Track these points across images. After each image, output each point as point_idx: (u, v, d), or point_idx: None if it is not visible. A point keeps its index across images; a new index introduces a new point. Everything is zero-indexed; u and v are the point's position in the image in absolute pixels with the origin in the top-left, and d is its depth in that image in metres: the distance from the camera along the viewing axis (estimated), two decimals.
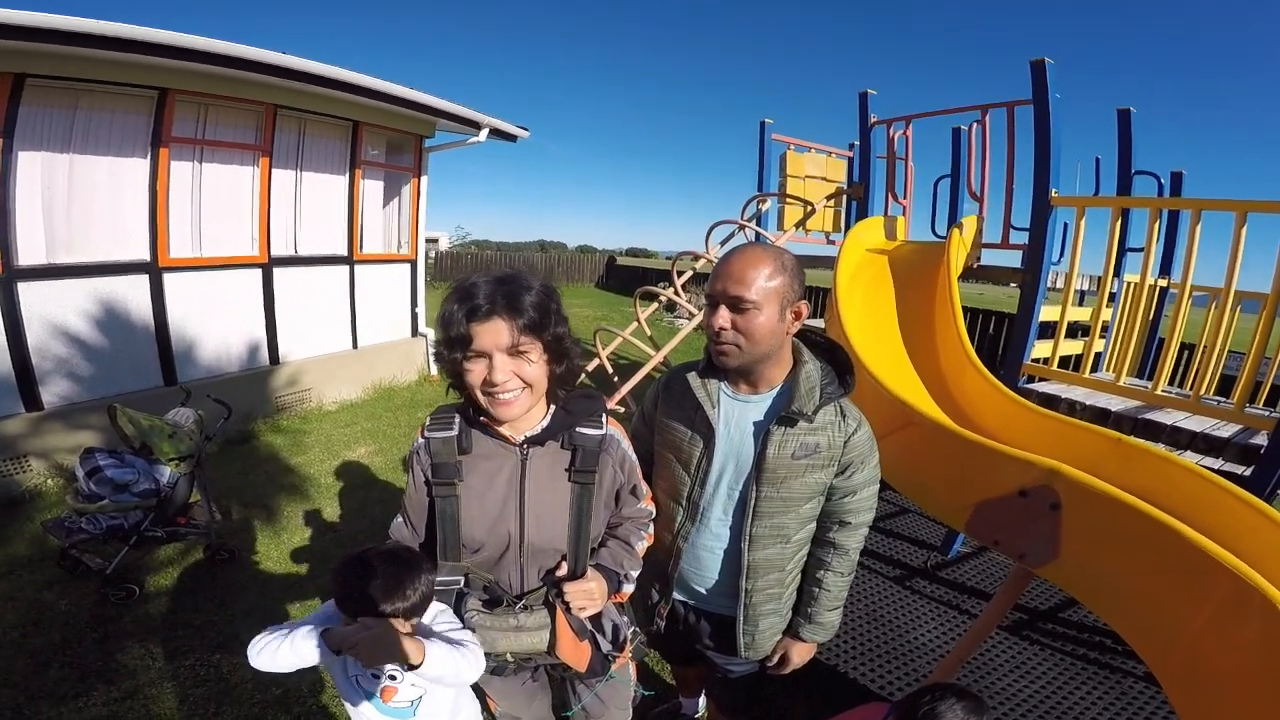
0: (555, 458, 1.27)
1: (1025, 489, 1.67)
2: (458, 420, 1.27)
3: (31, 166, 3.96)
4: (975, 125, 3.63)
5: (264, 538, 3.52)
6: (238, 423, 4.97)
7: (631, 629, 1.45)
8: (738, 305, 1.28)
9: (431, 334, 7.15)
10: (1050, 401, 2.97)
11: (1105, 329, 3.60)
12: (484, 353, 1.11)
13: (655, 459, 1.59)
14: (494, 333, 1.09)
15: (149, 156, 4.48)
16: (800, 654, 1.60)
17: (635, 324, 4.54)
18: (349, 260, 6.19)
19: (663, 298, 4.53)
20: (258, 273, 5.39)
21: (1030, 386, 3.16)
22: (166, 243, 4.67)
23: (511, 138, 6.94)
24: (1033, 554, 1.73)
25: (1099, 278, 3.78)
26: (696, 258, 4.58)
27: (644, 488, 1.44)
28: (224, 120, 4.96)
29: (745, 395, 1.43)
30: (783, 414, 1.34)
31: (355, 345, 6.42)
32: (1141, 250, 3.67)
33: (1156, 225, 2.96)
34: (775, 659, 1.61)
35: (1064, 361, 3.22)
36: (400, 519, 1.36)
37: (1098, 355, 3.57)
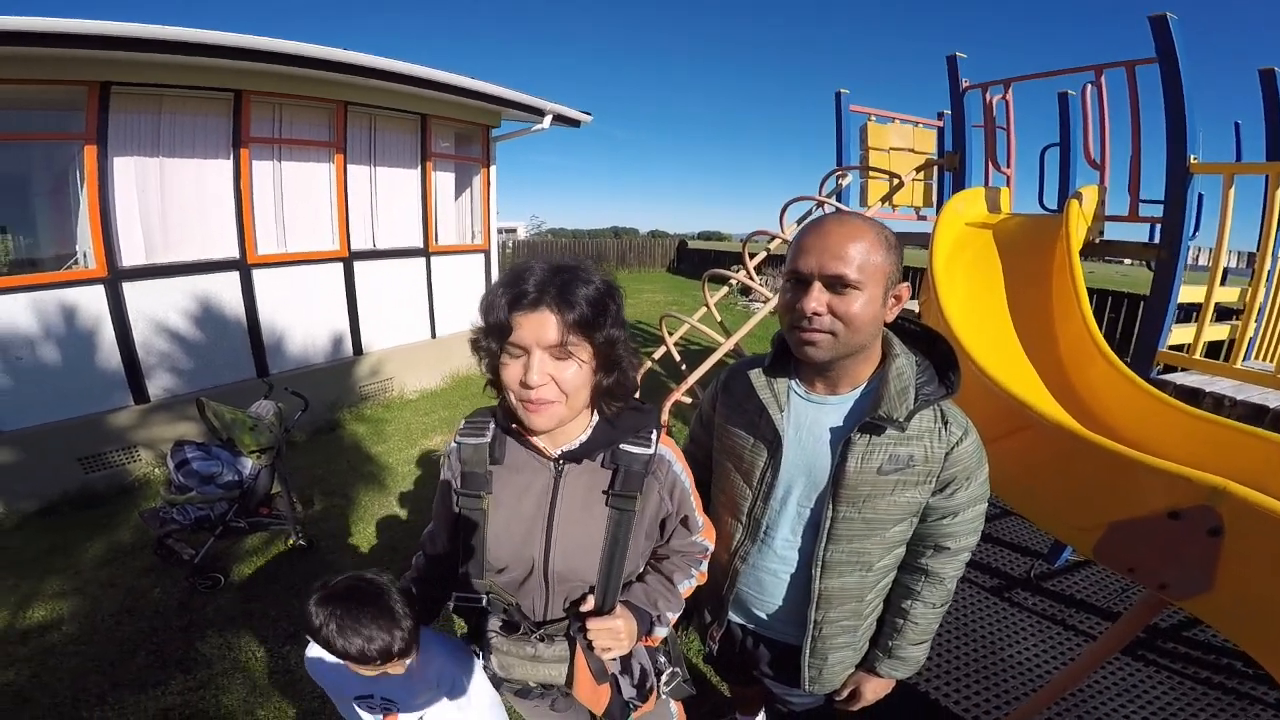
0: (594, 477, 1.10)
1: (1178, 510, 1.35)
2: (492, 425, 1.13)
3: (126, 171, 4.19)
4: (1090, 87, 3.18)
5: (342, 527, 3.60)
6: (324, 412, 5.17)
7: (671, 670, 1.27)
8: (836, 285, 1.04)
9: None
10: (1192, 396, 2.54)
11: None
12: (523, 347, 0.95)
13: (714, 467, 1.38)
14: (538, 325, 0.93)
15: (231, 157, 4.67)
16: (874, 690, 1.37)
17: (704, 309, 4.34)
18: (425, 252, 6.29)
19: (734, 280, 4.30)
20: (339, 267, 5.56)
21: (1165, 378, 2.73)
22: (254, 240, 4.87)
23: (575, 123, 6.84)
24: (1178, 585, 1.42)
25: (1243, 254, 3.25)
26: (771, 238, 4.31)
27: (700, 519, 1.23)
28: (298, 119, 5.11)
29: (821, 396, 1.19)
30: (868, 419, 1.10)
31: (434, 335, 6.55)
32: None
33: None
34: (845, 694, 1.39)
35: (1205, 350, 2.77)
36: (430, 527, 1.24)
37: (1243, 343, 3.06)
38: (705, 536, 1.26)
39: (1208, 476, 1.32)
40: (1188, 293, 2.78)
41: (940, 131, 4.70)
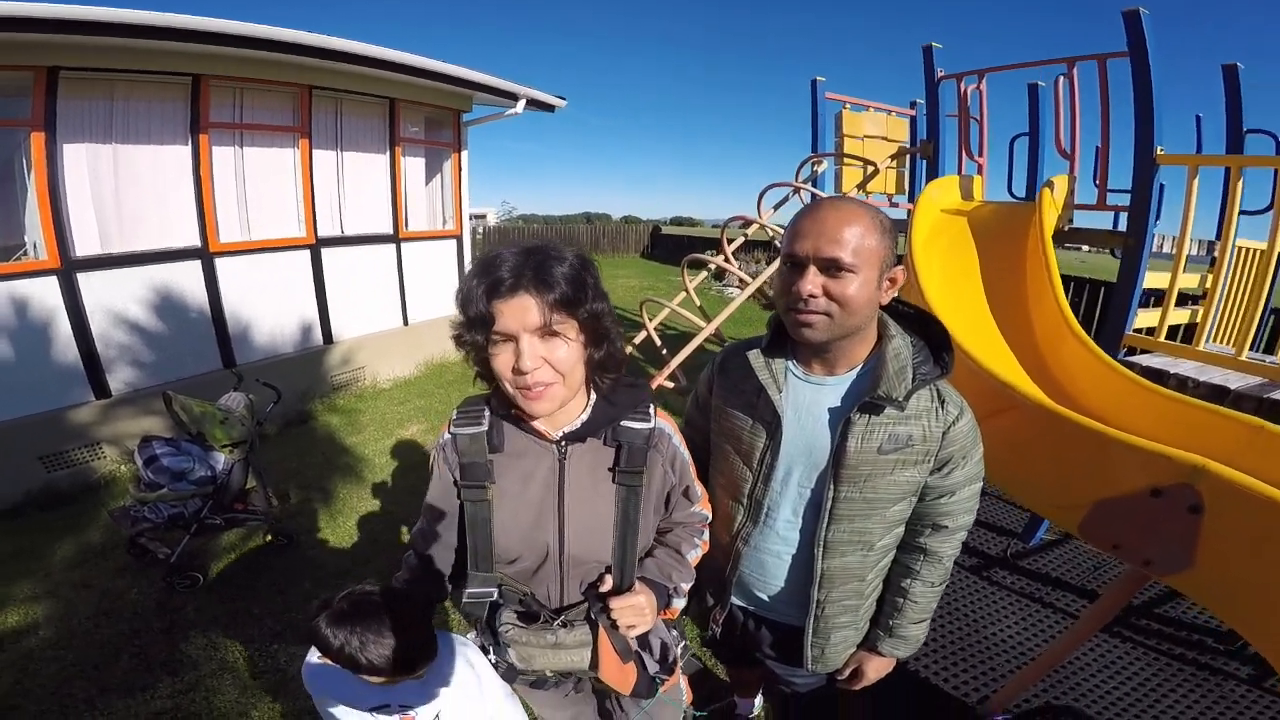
0: (597, 456, 1.11)
1: (1159, 488, 1.41)
2: (487, 413, 1.11)
3: (77, 159, 3.99)
4: (1062, 79, 3.26)
5: (321, 521, 3.53)
6: (296, 403, 5.04)
7: (681, 644, 1.30)
8: (832, 268, 1.06)
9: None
10: (1157, 376, 2.65)
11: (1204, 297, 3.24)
12: (509, 334, 0.94)
13: (712, 449, 1.39)
14: (520, 311, 0.93)
15: (190, 143, 4.48)
16: (876, 669, 1.40)
17: (683, 293, 4.35)
18: (395, 238, 6.15)
19: (711, 265, 4.31)
20: (306, 254, 5.40)
21: (1132, 360, 2.84)
22: (215, 228, 4.69)
23: (549, 108, 6.73)
24: (1160, 561, 1.49)
25: (1202, 242, 3.39)
26: (748, 223, 4.32)
27: (698, 489, 1.26)
28: (260, 103, 4.92)
29: (819, 377, 1.20)
30: (867, 399, 1.12)
31: (406, 322, 6.43)
32: (1253, 214, 3.29)
33: None
34: (847, 673, 1.43)
35: (1167, 333, 2.89)
36: (421, 524, 1.19)
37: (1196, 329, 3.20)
38: (703, 506, 1.29)
39: (1188, 455, 1.38)
40: (1149, 279, 2.89)
41: (913, 120, 4.76)
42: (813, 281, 1.07)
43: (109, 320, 4.19)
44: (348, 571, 3.05)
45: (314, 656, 1.11)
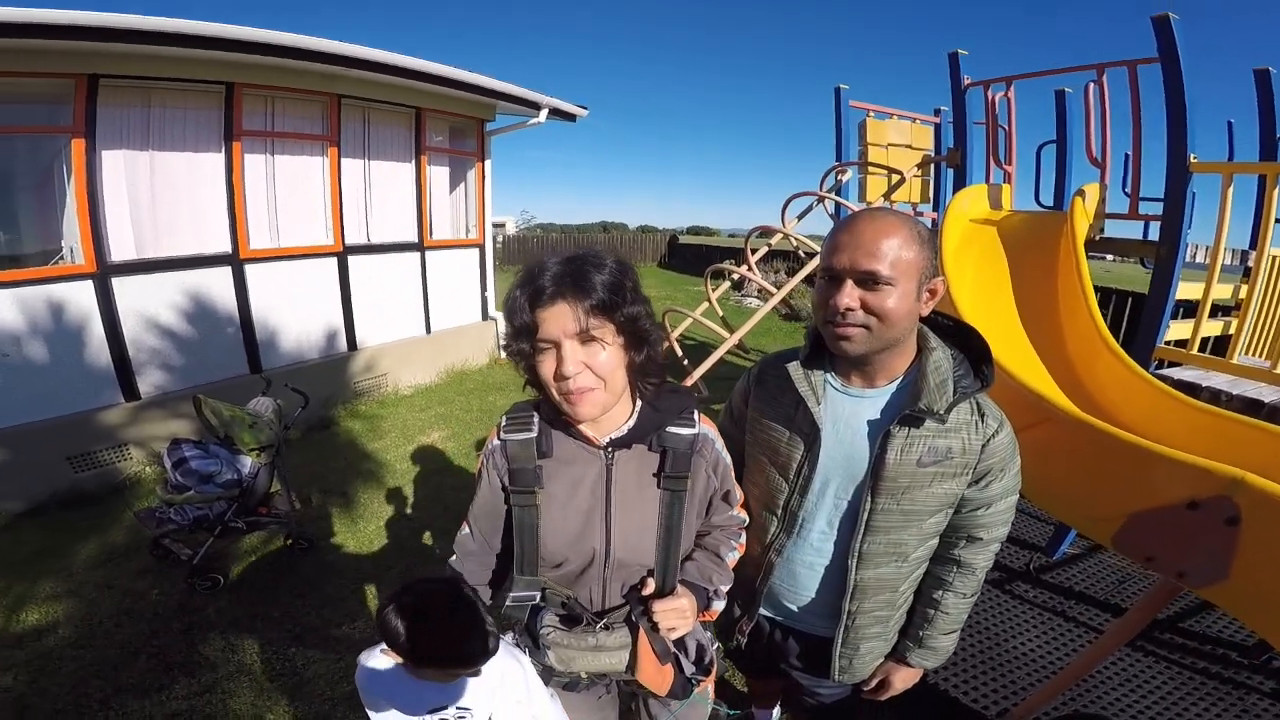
0: (643, 461, 1.13)
1: (1197, 500, 1.38)
2: (536, 420, 1.13)
3: (115, 165, 4.11)
4: (1092, 85, 3.21)
5: (342, 526, 3.56)
6: (319, 409, 5.11)
7: (716, 645, 1.31)
8: (869, 281, 1.06)
9: (502, 317, 7.19)
10: (1190, 390, 2.57)
11: (1238, 309, 3.15)
12: (552, 341, 0.98)
13: (746, 461, 1.38)
14: (560, 317, 0.97)
15: (223, 150, 4.60)
16: (903, 680, 1.39)
17: (706, 304, 4.35)
18: (419, 246, 6.24)
19: (735, 275, 4.31)
20: (333, 261, 5.49)
21: (1163, 373, 2.77)
22: (246, 234, 4.80)
23: (571, 117, 6.80)
24: (1195, 573, 1.45)
25: (1235, 251, 3.30)
26: (771, 233, 4.31)
27: (737, 493, 1.28)
28: (291, 112, 5.04)
29: (858, 389, 1.19)
30: (908, 412, 1.11)
31: (428, 330, 6.50)
32: None
33: None
34: (873, 683, 1.41)
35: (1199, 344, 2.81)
36: (467, 529, 1.22)
37: (1228, 340, 3.11)
38: (740, 510, 1.30)
39: (1226, 468, 1.35)
40: (1180, 289, 2.83)
41: (937, 128, 4.72)
42: (850, 295, 1.07)
43: (141, 324, 4.30)
44: (371, 575, 3.06)
45: (369, 660, 1.10)
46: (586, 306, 0.96)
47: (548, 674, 1.22)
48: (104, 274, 4.06)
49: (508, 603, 1.16)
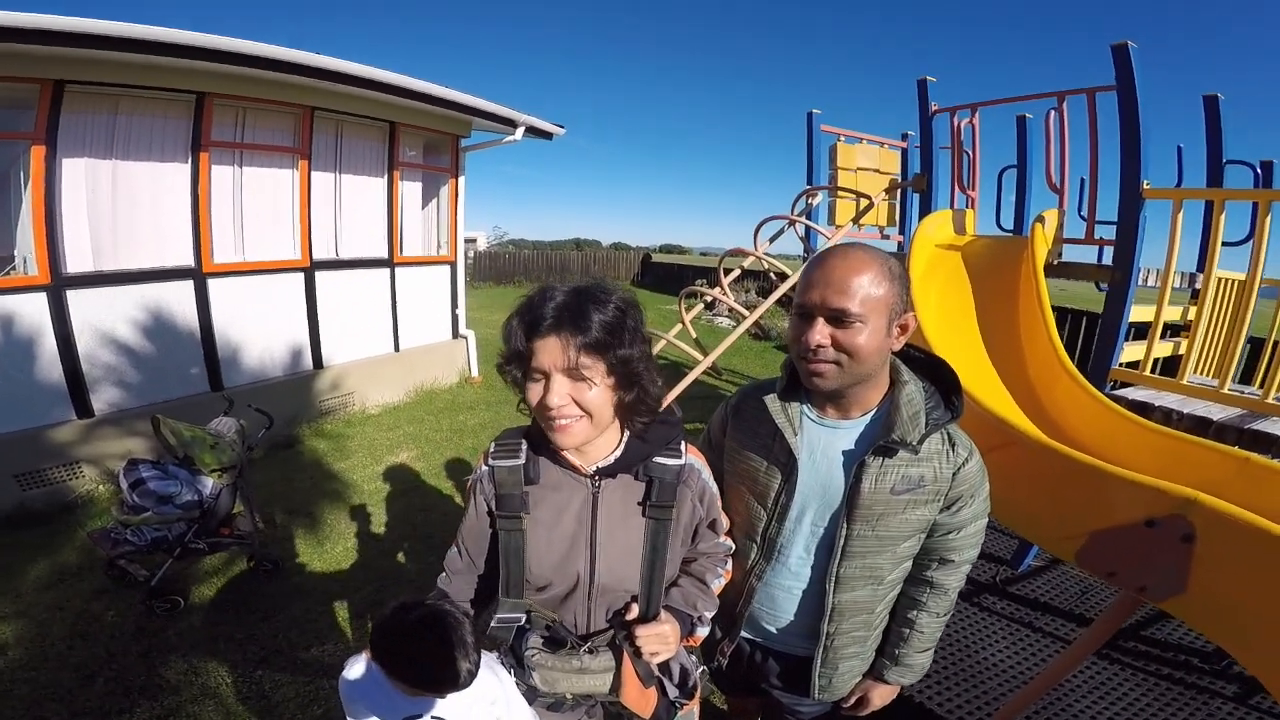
0: (628, 490, 1.15)
1: (1154, 519, 1.44)
2: (524, 447, 1.14)
3: (75, 173, 3.99)
4: (1053, 113, 3.35)
5: (307, 547, 3.47)
6: (283, 428, 4.97)
7: (700, 669, 1.33)
8: (839, 319, 1.09)
9: (472, 335, 7.09)
10: (1143, 409, 2.69)
11: (1188, 330, 3.31)
12: (543, 372, 0.99)
13: (726, 489, 1.40)
14: (552, 351, 0.98)
15: (189, 161, 4.50)
16: (881, 696, 1.43)
17: (680, 326, 4.38)
18: (389, 263, 6.16)
19: (708, 297, 4.36)
20: (300, 277, 5.40)
21: (1118, 393, 2.89)
22: (210, 248, 4.68)
23: (547, 135, 6.83)
24: (1155, 587, 1.52)
25: (1182, 274, 3.46)
26: (744, 255, 4.38)
27: (724, 521, 1.30)
28: (262, 124, 4.97)
29: (834, 420, 1.24)
30: (881, 443, 1.16)
31: (397, 348, 6.41)
32: (1233, 245, 3.37)
33: (1268, 219, 2.64)
34: (852, 700, 1.44)
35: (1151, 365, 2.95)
36: (455, 550, 1.23)
37: (1179, 360, 3.26)
38: (727, 539, 1.32)
39: (1180, 488, 1.42)
40: (1133, 311, 2.95)
41: (904, 152, 4.87)
42: (821, 332, 1.11)
43: (96, 339, 4.15)
44: (338, 596, 2.98)
45: (348, 670, 1.13)
46: (579, 344, 0.96)
47: (532, 694, 1.22)
48: (58, 286, 3.92)
49: (493, 623, 1.17)
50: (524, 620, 1.17)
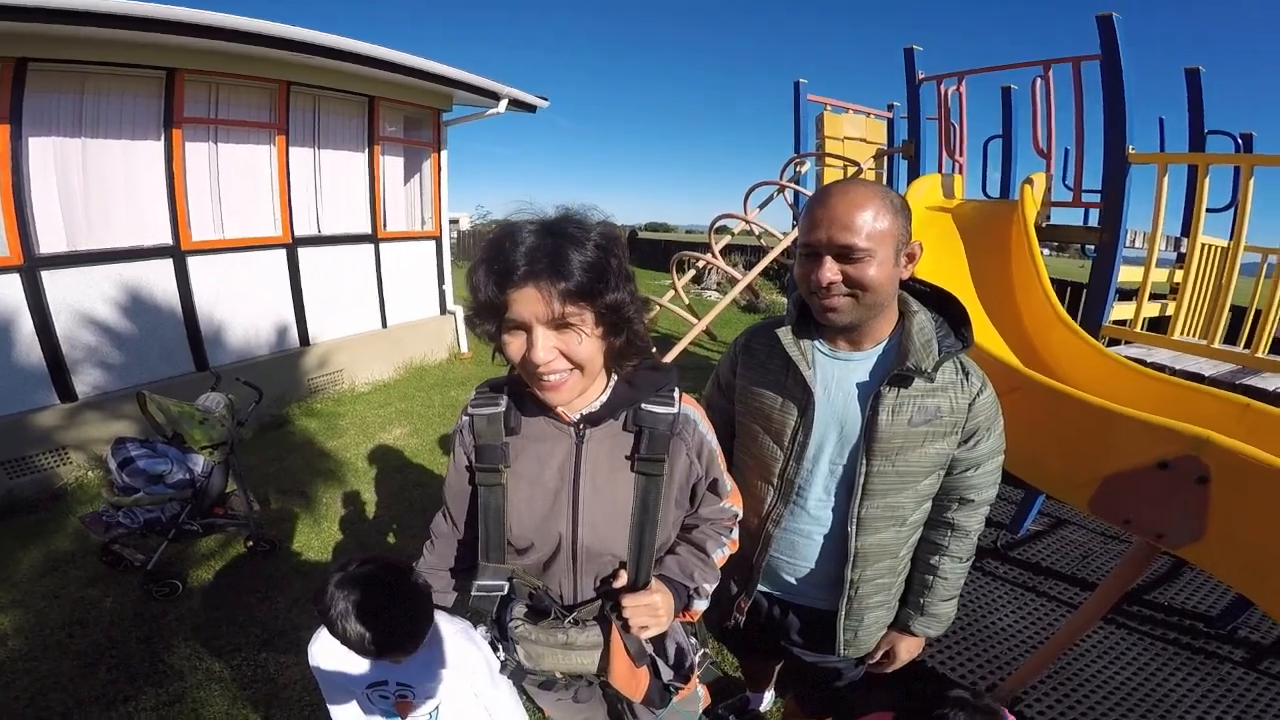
0: (616, 441, 1.04)
1: (1167, 460, 1.44)
2: (505, 395, 1.06)
3: (43, 153, 3.84)
4: (1039, 80, 3.37)
5: (304, 527, 3.43)
6: (271, 407, 4.90)
7: (701, 652, 1.22)
8: (847, 255, 1.07)
9: (460, 311, 6.99)
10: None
11: (1174, 292, 3.36)
12: (522, 324, 0.88)
13: (738, 431, 1.37)
14: (532, 301, 0.85)
15: (162, 139, 4.35)
16: (908, 649, 1.40)
17: (672, 292, 4.37)
18: (373, 239, 6.04)
19: (699, 263, 4.35)
20: (282, 253, 5.27)
21: (1110, 350, 2.93)
22: (188, 225, 4.55)
23: (531, 108, 6.70)
24: (1172, 533, 1.50)
25: (1167, 239, 3.52)
26: (735, 219, 4.37)
27: (728, 483, 1.18)
28: (236, 99, 4.80)
29: (846, 353, 1.21)
30: (896, 372, 1.14)
31: (384, 324, 6.32)
32: (1216, 211, 3.44)
33: (1250, 183, 2.69)
34: (878, 655, 1.42)
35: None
36: (441, 513, 1.16)
37: (1168, 319, 3.32)
38: (733, 502, 1.22)
39: (1191, 428, 1.41)
40: (1120, 275, 3.00)
41: (890, 122, 4.87)
42: (831, 269, 1.09)
43: (75, 320, 4.03)
44: None
45: (315, 645, 1.10)
46: (562, 291, 0.84)
47: (520, 672, 1.17)
48: (32, 267, 3.78)
49: (474, 593, 1.09)
50: (507, 589, 1.10)
